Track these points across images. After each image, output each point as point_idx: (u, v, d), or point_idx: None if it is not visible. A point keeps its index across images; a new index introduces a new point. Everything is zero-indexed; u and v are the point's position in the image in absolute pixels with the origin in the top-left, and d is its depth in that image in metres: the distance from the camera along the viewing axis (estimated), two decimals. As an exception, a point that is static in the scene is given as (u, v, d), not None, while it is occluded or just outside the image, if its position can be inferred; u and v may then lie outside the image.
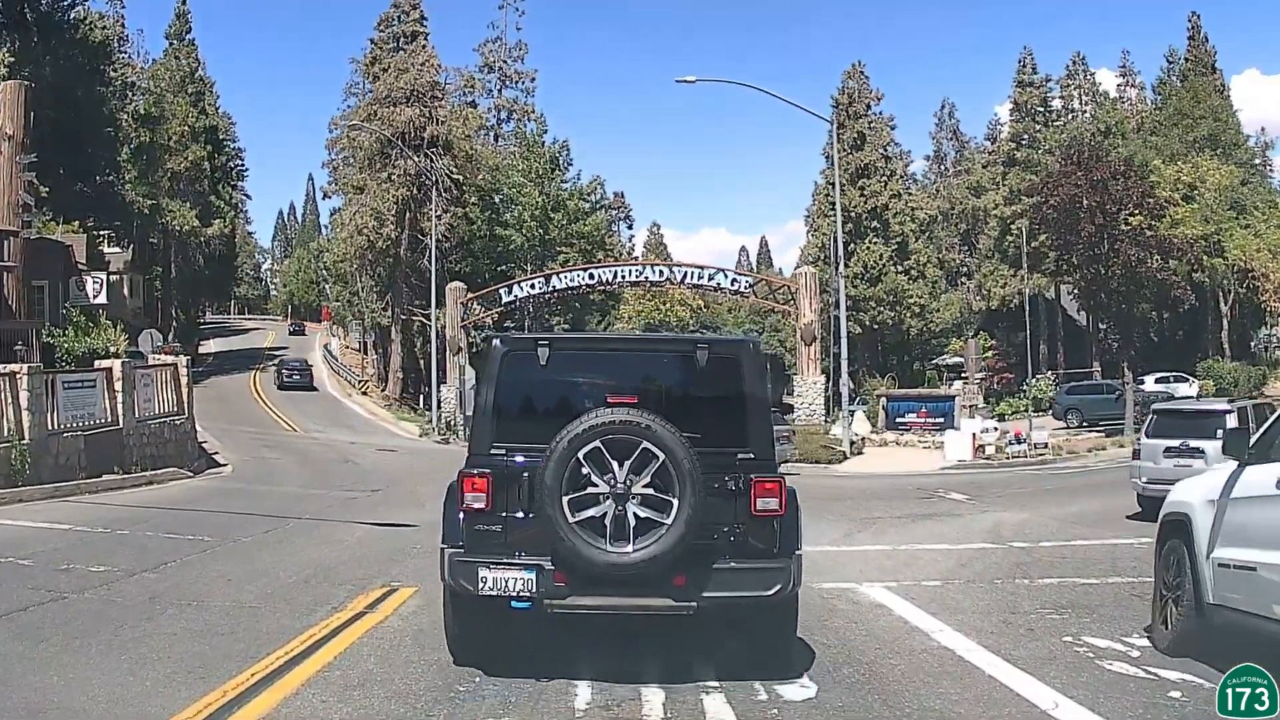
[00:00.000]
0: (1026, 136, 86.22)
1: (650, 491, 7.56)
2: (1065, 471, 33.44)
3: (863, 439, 43.46)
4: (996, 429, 40.24)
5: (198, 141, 74.97)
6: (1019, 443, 38.59)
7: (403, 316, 62.89)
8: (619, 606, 7.88)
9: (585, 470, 7.55)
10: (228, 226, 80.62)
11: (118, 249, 74.18)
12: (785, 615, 8.34)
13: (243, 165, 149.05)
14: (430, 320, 56.26)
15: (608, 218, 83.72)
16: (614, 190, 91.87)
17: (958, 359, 78.85)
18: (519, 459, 7.96)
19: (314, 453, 37.31)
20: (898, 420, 49.61)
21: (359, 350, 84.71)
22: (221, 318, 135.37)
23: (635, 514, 7.55)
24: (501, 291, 52.64)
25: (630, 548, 7.50)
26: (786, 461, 66.54)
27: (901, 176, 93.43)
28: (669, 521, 7.47)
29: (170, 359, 33.24)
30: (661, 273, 52.53)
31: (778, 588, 7.83)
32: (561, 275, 52.97)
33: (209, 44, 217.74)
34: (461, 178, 63.27)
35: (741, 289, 52.09)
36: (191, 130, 74.12)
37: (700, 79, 38.46)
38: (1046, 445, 39.35)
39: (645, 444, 7.53)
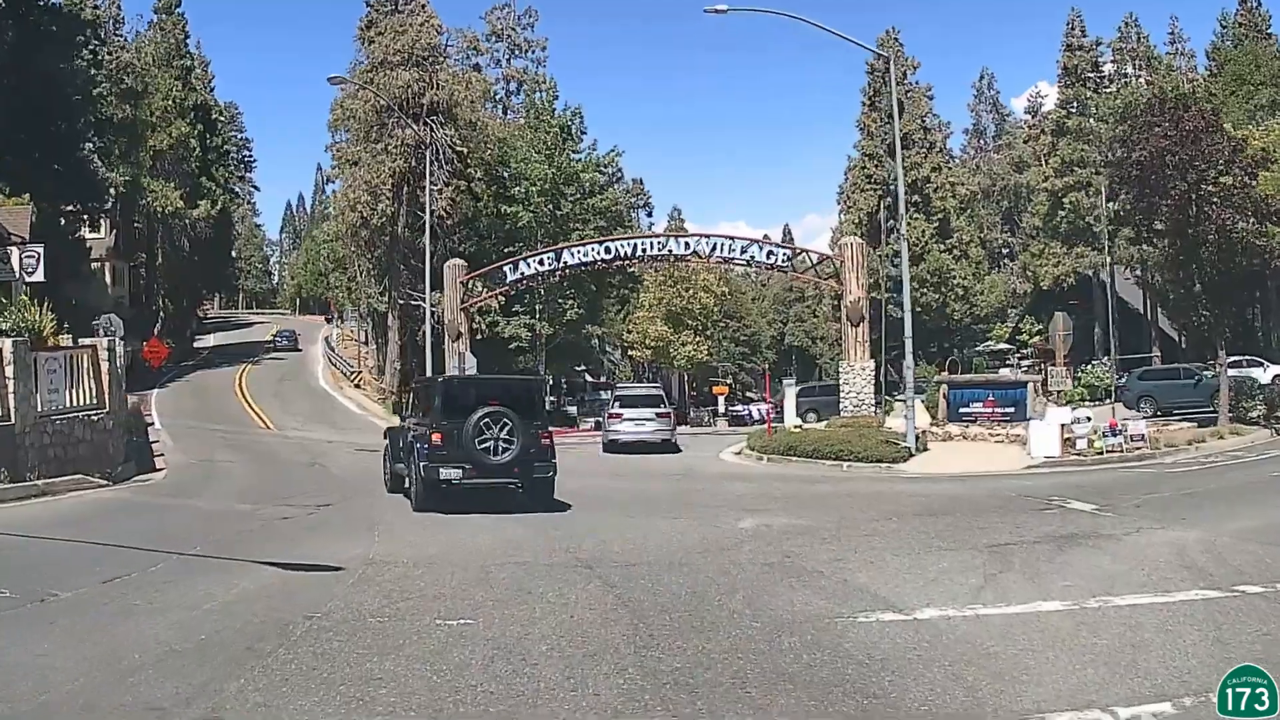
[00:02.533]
0: (1076, 104, 79.87)
1: (505, 435, 19.44)
2: (1182, 470, 27.37)
3: (923, 432, 37.41)
4: (1089, 419, 34.09)
5: (184, 118, 69.22)
6: (1114, 435, 32.45)
7: (400, 301, 56.87)
8: (494, 483, 20.09)
9: (482, 426, 19.35)
10: (216, 208, 74.15)
11: (98, 234, 69.06)
12: (552, 485, 20.77)
13: (250, 155, 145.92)
14: (429, 304, 50.51)
15: (627, 200, 77.47)
16: (632, 177, 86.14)
17: (1004, 346, 73.21)
18: (452, 422, 19.52)
19: (279, 454, 31.95)
20: (961, 411, 43.19)
21: (360, 341, 78.77)
22: (228, 312, 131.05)
23: (502, 443, 19.44)
24: (506, 269, 46.78)
25: (500, 458, 19.44)
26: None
27: (941, 149, 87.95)
28: (514, 447, 19.46)
29: (90, 342, 27.58)
30: (687, 245, 46.41)
31: (551, 474, 20.58)
32: (574, 250, 46.97)
33: (217, 33, 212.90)
34: (465, 149, 57.30)
35: (779, 262, 45.85)
36: (177, 106, 68.45)
37: (732, 8, 32.21)
38: (1143, 438, 33.19)
39: (504, 418, 19.49)
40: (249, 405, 45.44)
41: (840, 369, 44.30)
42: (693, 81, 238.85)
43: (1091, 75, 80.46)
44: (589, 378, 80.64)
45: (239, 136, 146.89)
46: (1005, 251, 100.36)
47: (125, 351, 58.26)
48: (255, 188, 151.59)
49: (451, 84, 57.05)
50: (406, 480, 21.10)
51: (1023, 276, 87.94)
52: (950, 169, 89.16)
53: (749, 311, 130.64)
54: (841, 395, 43.49)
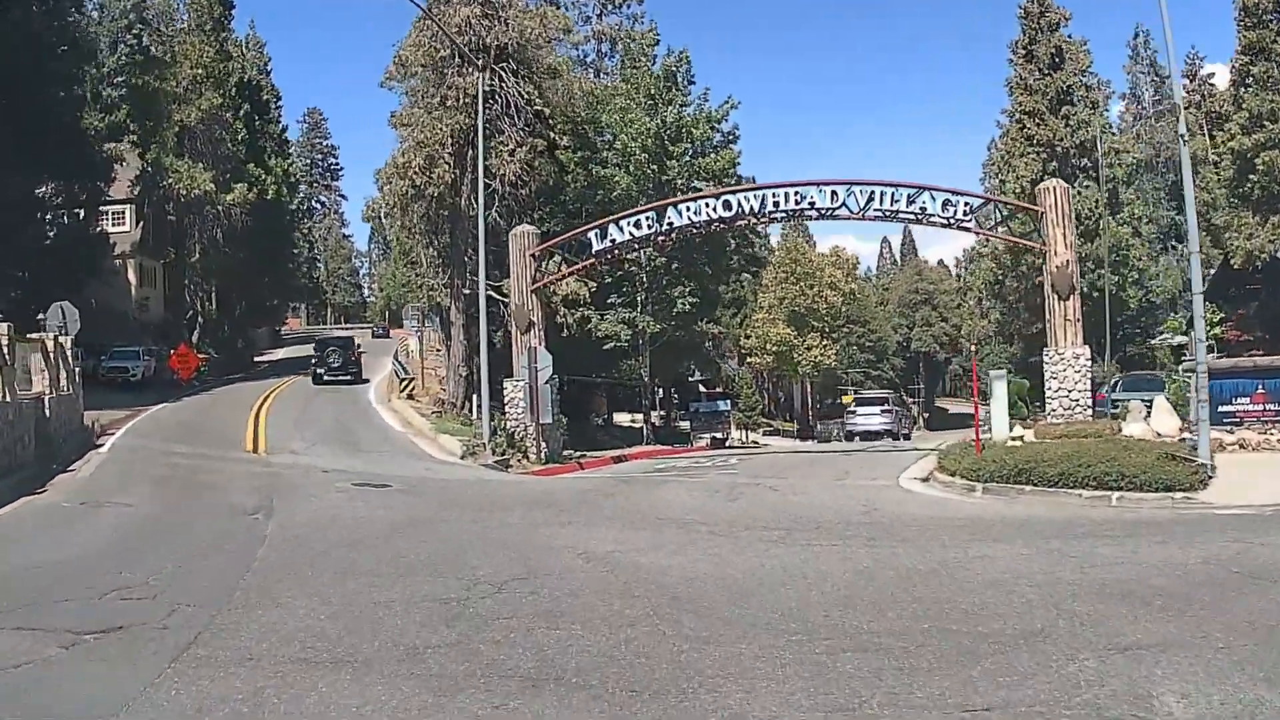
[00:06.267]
0: (1261, 48, 66.55)
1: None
2: None
3: (1181, 439, 24.83)
4: None
5: (219, 90, 58.69)
6: None
7: (465, 291, 45.27)
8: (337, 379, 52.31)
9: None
10: (259, 192, 62.68)
11: (122, 227, 59.19)
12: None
13: (336, 163, 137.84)
14: (500, 293, 39.38)
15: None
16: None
17: (1182, 338, 60.97)
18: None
19: (222, 491, 21.12)
20: (1221, 410, 29.86)
21: (440, 348, 66.89)
22: (314, 328, 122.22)
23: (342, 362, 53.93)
24: (592, 236, 35.01)
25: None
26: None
27: (1103, 110, 75.79)
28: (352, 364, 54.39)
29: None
30: (834, 195, 33.97)
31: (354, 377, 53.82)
32: (683, 207, 35.00)
33: (311, 39, 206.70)
34: (543, 103, 45.72)
35: (959, 215, 33.34)
36: (209, 75, 57.90)
37: None
38: None
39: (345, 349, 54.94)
40: (254, 423, 34.26)
41: (1044, 357, 32.00)
42: (802, 59, 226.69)
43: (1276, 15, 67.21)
44: (702, 388, 68.92)
45: (324, 143, 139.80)
46: (1173, 230, 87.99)
47: (148, 360, 48.85)
48: (343, 196, 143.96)
49: (522, 20, 45.31)
50: None
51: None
52: (1114, 135, 76.79)
53: (874, 315, 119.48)
54: (1048, 392, 31.52)
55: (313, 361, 56.18)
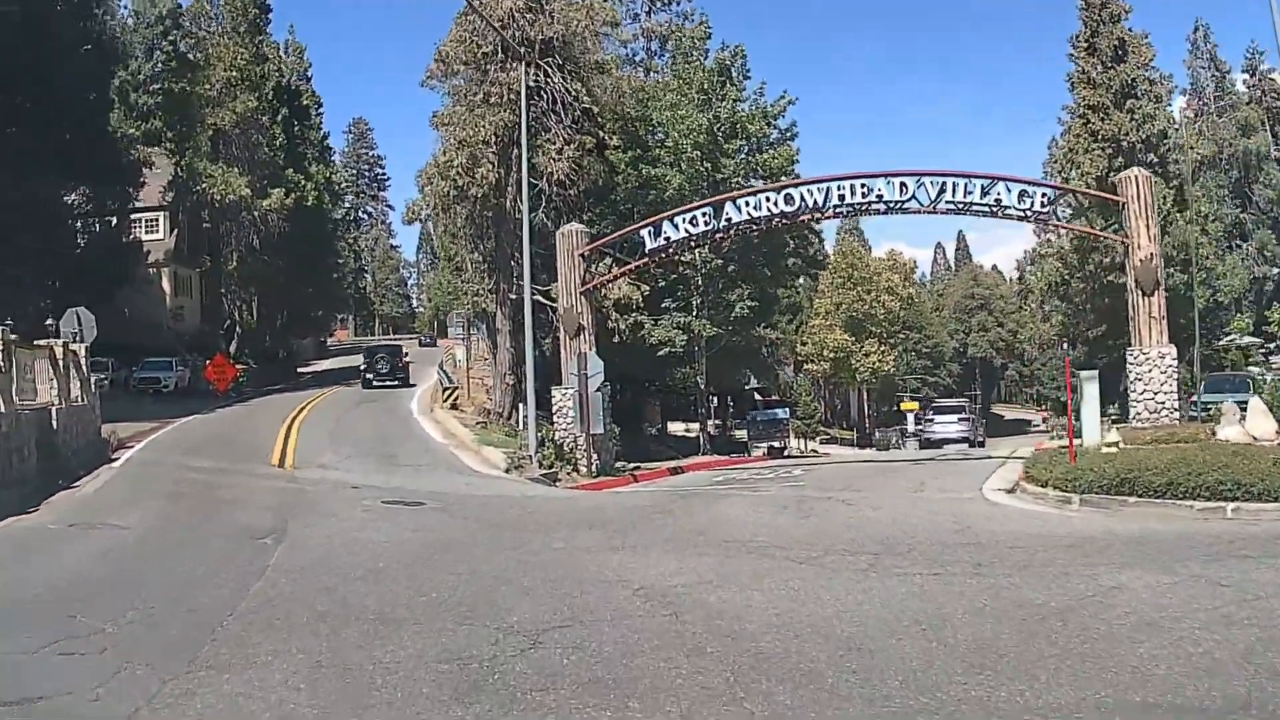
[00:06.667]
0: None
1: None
2: None
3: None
4: None
5: (254, 93, 56.87)
6: None
7: (511, 296, 43.09)
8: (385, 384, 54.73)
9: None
10: (297, 199, 60.42)
11: (156, 234, 57.53)
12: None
13: (383, 173, 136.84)
14: (548, 297, 37.26)
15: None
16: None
17: (1250, 339, 58.98)
18: None
19: (233, 510, 18.98)
20: None
21: (487, 357, 64.51)
22: (363, 338, 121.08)
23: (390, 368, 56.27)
24: (645, 234, 32.83)
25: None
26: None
27: (1166, 105, 72.92)
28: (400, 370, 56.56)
29: None
30: (903, 188, 31.37)
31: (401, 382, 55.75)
32: (741, 202, 32.71)
33: (355, 50, 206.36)
34: (590, 100, 43.50)
35: (1037, 207, 30.91)
36: (243, 77, 56.11)
37: None
38: None
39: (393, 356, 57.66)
40: (285, 435, 31.91)
41: (1128, 357, 29.56)
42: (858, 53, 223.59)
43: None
44: (758, 395, 66.47)
45: (369, 153, 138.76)
46: (1239, 228, 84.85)
47: (181, 371, 47.15)
48: (389, 206, 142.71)
49: (568, 13, 43.10)
50: None
51: (1259, 258, 75.67)
52: (1177, 131, 74.11)
53: (929, 321, 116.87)
54: (1132, 395, 29.10)
55: (362, 368, 58.45)
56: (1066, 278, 64.94)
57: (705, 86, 47.46)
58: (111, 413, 30.74)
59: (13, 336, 21.13)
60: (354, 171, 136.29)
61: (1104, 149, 62.01)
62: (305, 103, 75.51)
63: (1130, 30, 68.39)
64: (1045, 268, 73.59)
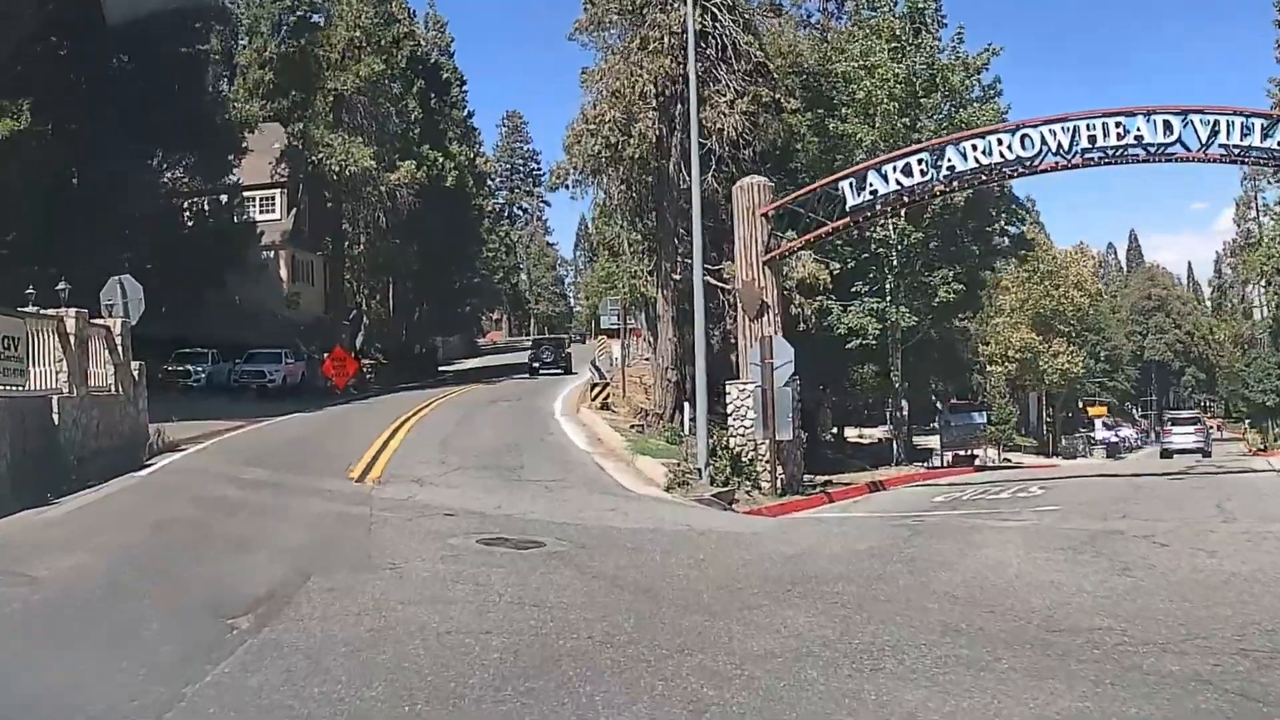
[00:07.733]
0: None
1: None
2: None
3: None
4: None
5: (380, 56, 51.38)
6: None
7: (675, 277, 36.48)
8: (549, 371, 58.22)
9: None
10: (431, 176, 55.06)
11: (271, 214, 52.57)
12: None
13: (538, 168, 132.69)
14: (720, 277, 31.09)
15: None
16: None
17: None
18: None
19: (224, 550, 12.38)
20: None
21: (648, 355, 57.99)
22: (518, 338, 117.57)
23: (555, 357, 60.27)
24: (845, 187, 26.14)
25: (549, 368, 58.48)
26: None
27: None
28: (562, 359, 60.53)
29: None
30: (1168, 128, 24.52)
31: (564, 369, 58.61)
32: (965, 146, 25.77)
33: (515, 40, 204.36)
34: (764, 50, 36.84)
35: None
36: (368, 37, 50.68)
37: None
38: None
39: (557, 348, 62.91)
40: (385, 440, 25.39)
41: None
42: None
43: None
44: (939, 404, 58.93)
45: (524, 148, 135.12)
46: None
47: (291, 364, 42.16)
48: (545, 203, 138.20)
49: (736, -56, 36.44)
50: None
51: None
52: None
53: (1108, 323, 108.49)
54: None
55: (529, 357, 63.56)
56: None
57: (897, 31, 40.53)
58: (198, 411, 26.90)
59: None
60: (508, 166, 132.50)
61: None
62: (446, 77, 70.57)
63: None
64: (1253, 256, 65.91)
